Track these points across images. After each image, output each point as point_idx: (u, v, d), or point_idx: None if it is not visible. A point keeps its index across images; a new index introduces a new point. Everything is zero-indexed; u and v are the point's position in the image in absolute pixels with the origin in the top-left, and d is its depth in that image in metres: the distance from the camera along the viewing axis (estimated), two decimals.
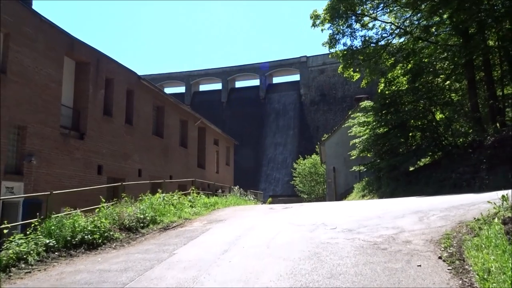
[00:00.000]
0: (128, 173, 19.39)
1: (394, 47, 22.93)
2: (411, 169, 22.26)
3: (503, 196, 5.93)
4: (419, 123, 21.05)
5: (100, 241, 7.76)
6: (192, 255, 6.24)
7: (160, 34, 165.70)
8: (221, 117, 70.16)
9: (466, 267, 4.36)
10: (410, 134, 21.37)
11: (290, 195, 52.90)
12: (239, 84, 77.72)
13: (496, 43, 19.69)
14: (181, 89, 77.07)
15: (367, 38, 23.11)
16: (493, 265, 3.88)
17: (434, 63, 20.76)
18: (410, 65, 21.10)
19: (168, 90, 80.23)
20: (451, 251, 4.94)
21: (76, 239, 7.48)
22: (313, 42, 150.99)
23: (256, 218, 9.86)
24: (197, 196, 14.13)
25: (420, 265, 4.57)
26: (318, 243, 6.15)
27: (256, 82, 73.82)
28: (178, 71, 77.14)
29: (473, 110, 20.02)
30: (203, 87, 79.77)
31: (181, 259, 6.02)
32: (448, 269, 4.37)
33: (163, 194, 11.84)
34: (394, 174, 19.78)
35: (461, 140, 18.45)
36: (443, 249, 5.10)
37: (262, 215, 10.40)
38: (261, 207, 13.41)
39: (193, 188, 14.40)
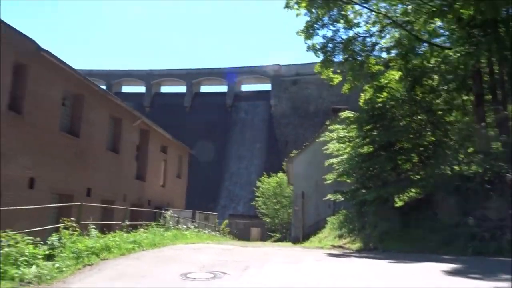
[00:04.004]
0: (8, 184, 13.22)
1: (388, 43, 18.05)
2: (400, 204, 17.25)
3: None
4: (416, 143, 16.21)
5: None
6: None
7: (120, 25, 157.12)
8: (183, 123, 64.02)
9: None
10: (403, 157, 16.51)
11: (252, 216, 47.24)
12: (204, 88, 71.74)
13: None
14: (141, 89, 70.20)
15: (353, 34, 18.24)
16: None
17: (442, 66, 15.96)
18: (407, 65, 16.23)
19: (126, 89, 73.55)
20: None
21: None
22: (287, 50, 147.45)
23: None
24: (71, 236, 8.26)
25: None
26: None
27: (223, 88, 68.10)
28: (138, 69, 70.39)
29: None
30: (165, 89, 73.19)
31: None
32: None
33: None
34: (383, 210, 14.64)
35: (479, 170, 13.51)
36: None
37: None
38: (170, 266, 7.72)
39: (67, 220, 8.50)
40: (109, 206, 16.63)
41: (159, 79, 69.69)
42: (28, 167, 14.22)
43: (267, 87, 66.71)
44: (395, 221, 14.02)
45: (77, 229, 8.80)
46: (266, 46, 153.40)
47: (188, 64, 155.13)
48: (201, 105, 66.60)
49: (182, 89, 69.38)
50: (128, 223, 11.52)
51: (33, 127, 14.51)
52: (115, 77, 70.37)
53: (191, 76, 67.86)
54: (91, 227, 9.48)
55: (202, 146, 55.75)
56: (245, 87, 70.08)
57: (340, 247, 14.60)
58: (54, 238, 7.87)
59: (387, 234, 13.68)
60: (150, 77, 69.17)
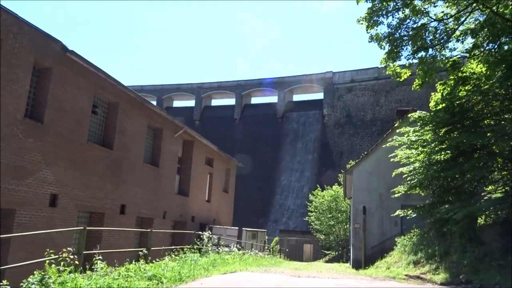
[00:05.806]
0: (26, 201, 11.74)
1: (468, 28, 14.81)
2: (481, 222, 13.77)
3: None
4: (510, 146, 12.78)
5: None
6: None
7: (173, 42, 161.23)
8: (233, 135, 62.60)
9: None
10: (495, 164, 13.14)
11: (304, 232, 44.17)
12: (255, 100, 69.83)
13: None
14: (192, 103, 69.71)
15: (425, 21, 15.25)
16: None
17: None
18: (500, 50, 12.94)
19: (177, 103, 73.62)
20: None
21: None
22: (340, 57, 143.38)
23: None
24: (61, 274, 6.17)
25: None
26: None
27: (274, 98, 65.74)
28: (189, 83, 70.00)
29: None
30: (215, 102, 72.17)
31: None
32: None
33: None
34: (472, 230, 11.41)
35: None
36: None
37: None
38: None
39: (66, 251, 6.45)
40: (124, 229, 14.70)
41: (209, 91, 68.82)
42: (49, 182, 12.69)
43: (320, 95, 63.62)
44: (492, 247, 10.75)
45: (76, 262, 6.75)
46: (318, 54, 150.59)
47: (239, 76, 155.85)
48: (251, 117, 64.77)
49: (232, 101, 68.06)
50: (146, 251, 9.29)
51: (57, 137, 13.00)
52: (166, 91, 70.66)
53: (241, 88, 66.30)
54: (97, 258, 7.40)
55: (251, 159, 53.76)
56: (297, 97, 67.28)
57: (418, 277, 11.51)
58: (34, 278, 5.80)
59: (482, 262, 10.46)
60: (200, 90, 68.55)
